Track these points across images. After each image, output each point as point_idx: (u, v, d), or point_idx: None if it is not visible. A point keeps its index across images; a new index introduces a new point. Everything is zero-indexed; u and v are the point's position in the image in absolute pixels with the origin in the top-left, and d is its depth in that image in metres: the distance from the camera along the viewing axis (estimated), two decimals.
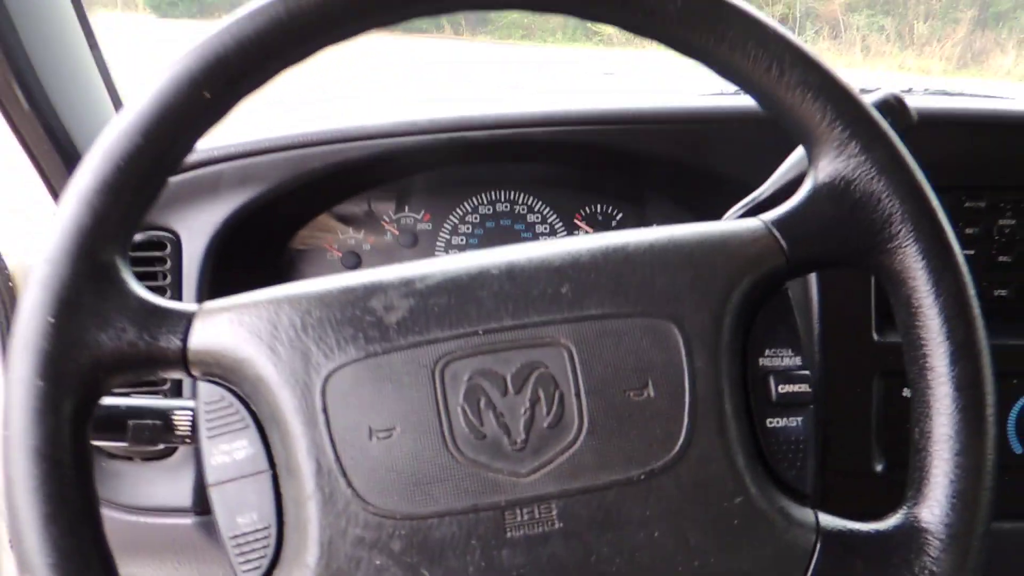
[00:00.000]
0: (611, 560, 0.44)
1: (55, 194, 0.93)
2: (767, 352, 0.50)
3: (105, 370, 0.45)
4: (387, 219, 0.92)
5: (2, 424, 0.44)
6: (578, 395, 0.46)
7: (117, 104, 0.98)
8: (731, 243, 0.49)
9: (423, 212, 0.92)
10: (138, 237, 0.76)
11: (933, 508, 0.46)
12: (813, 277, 0.77)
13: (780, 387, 0.49)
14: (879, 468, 0.77)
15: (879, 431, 0.77)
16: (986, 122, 0.77)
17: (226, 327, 0.46)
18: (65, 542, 0.42)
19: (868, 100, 0.59)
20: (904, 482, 0.77)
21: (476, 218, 0.93)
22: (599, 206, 0.93)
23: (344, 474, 0.44)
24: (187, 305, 0.47)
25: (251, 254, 0.84)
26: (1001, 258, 0.79)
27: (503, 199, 0.93)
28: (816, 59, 0.50)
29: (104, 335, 0.45)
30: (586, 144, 0.80)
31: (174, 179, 0.76)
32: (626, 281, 0.48)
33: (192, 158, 0.77)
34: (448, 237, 0.92)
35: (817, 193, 0.50)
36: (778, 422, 0.49)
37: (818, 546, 0.46)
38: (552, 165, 0.88)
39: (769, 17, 0.52)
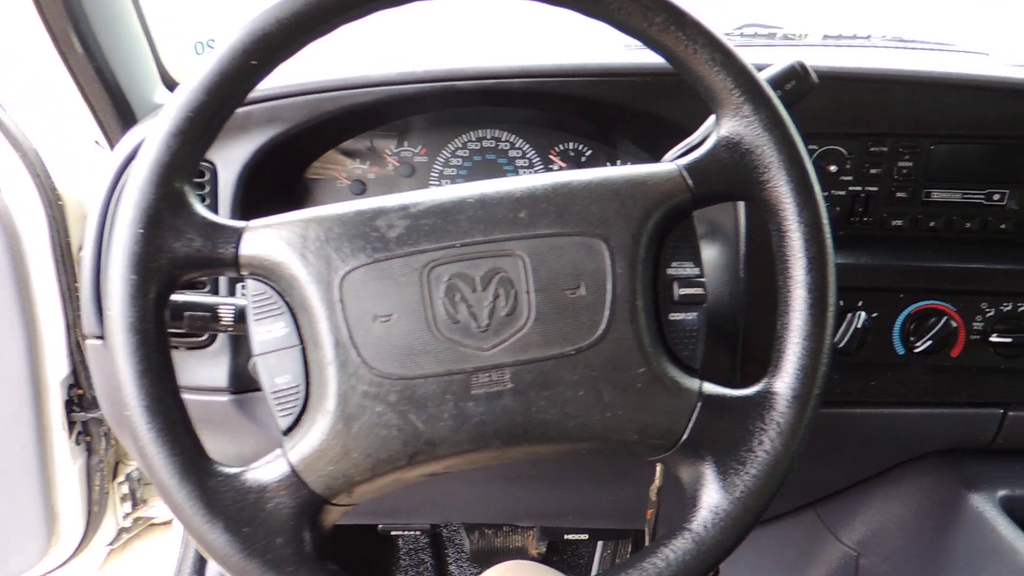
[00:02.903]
0: (547, 410, 0.61)
1: (104, 130, 1.08)
2: (673, 264, 0.65)
3: (179, 268, 0.61)
4: (389, 152, 1.07)
5: (105, 307, 0.60)
6: (529, 292, 0.62)
7: (154, 51, 1.12)
8: (649, 182, 0.65)
9: (420, 147, 1.07)
10: None
11: (784, 378, 0.62)
12: (742, 214, 0.92)
13: (681, 290, 0.65)
14: None
15: None
16: (886, 80, 0.90)
17: (268, 239, 0.62)
18: (153, 388, 0.59)
19: (773, 69, 0.75)
20: None
21: (465, 152, 1.07)
22: (571, 144, 1.07)
23: (355, 346, 0.60)
24: (238, 222, 0.63)
25: (274, 181, 0.99)
26: (899, 194, 0.94)
27: (489, 137, 1.07)
28: (723, 41, 0.65)
29: (178, 243, 0.61)
30: (557, 93, 0.94)
31: None
32: (569, 208, 0.63)
33: None
34: (441, 168, 1.07)
35: (718, 144, 0.66)
36: (678, 316, 0.65)
37: (699, 405, 0.63)
38: (531, 108, 1.02)
39: (689, 7, 0.66)
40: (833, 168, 0.93)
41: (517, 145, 1.07)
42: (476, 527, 1.58)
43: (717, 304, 0.95)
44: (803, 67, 0.75)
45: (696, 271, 0.66)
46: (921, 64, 0.97)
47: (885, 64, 0.92)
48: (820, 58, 0.94)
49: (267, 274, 0.63)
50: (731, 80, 0.64)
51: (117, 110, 1.07)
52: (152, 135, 0.61)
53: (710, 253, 0.96)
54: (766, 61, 0.91)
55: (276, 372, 0.63)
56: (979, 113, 0.92)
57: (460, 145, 1.07)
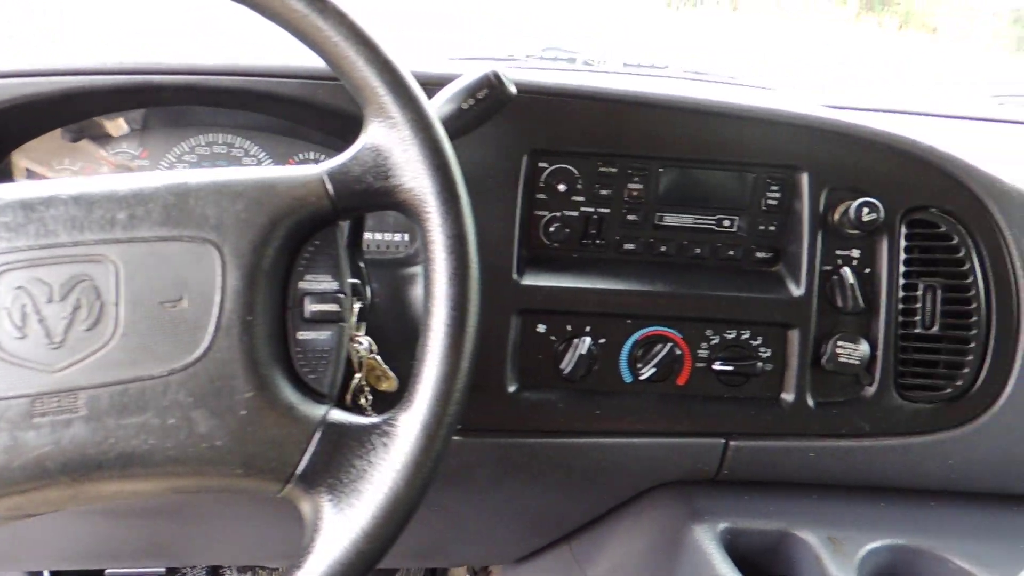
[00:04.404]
0: (128, 441, 0.52)
1: None
2: (307, 277, 0.59)
3: None
4: (104, 153, 0.97)
5: None
6: (117, 304, 0.53)
7: None
8: (280, 186, 0.58)
9: (141, 149, 0.97)
10: None
11: (412, 405, 0.56)
12: None
13: (312, 306, 0.59)
14: (511, 389, 0.88)
15: (513, 358, 0.88)
16: (611, 99, 0.87)
17: None
18: None
19: (467, 78, 0.70)
20: (532, 402, 0.89)
21: (193, 157, 0.98)
22: (312, 153, 1.00)
23: None
24: None
25: None
26: (631, 217, 0.91)
27: (220, 142, 0.98)
28: (367, 34, 0.59)
29: None
30: (274, 94, 0.87)
31: None
32: (179, 210, 0.56)
33: None
34: None
35: (364, 147, 0.60)
36: (308, 335, 0.59)
37: (317, 434, 0.56)
38: (259, 112, 0.94)
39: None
40: (563, 187, 0.89)
41: (252, 152, 0.99)
42: (250, 568, 1.47)
43: None
44: (497, 77, 0.71)
45: (334, 285, 0.60)
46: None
47: (610, 84, 0.89)
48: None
49: None
50: (375, 77, 0.59)
51: None
52: None
53: None
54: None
55: None
56: (705, 138, 0.90)
57: (188, 149, 0.98)
